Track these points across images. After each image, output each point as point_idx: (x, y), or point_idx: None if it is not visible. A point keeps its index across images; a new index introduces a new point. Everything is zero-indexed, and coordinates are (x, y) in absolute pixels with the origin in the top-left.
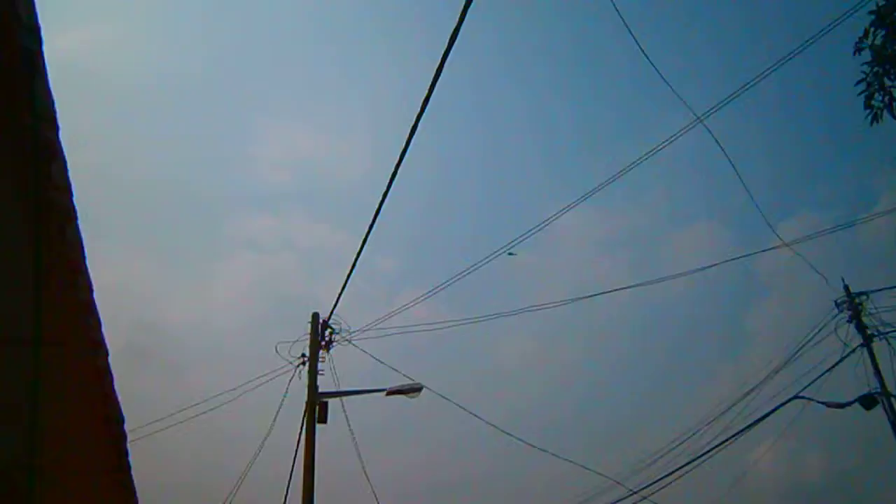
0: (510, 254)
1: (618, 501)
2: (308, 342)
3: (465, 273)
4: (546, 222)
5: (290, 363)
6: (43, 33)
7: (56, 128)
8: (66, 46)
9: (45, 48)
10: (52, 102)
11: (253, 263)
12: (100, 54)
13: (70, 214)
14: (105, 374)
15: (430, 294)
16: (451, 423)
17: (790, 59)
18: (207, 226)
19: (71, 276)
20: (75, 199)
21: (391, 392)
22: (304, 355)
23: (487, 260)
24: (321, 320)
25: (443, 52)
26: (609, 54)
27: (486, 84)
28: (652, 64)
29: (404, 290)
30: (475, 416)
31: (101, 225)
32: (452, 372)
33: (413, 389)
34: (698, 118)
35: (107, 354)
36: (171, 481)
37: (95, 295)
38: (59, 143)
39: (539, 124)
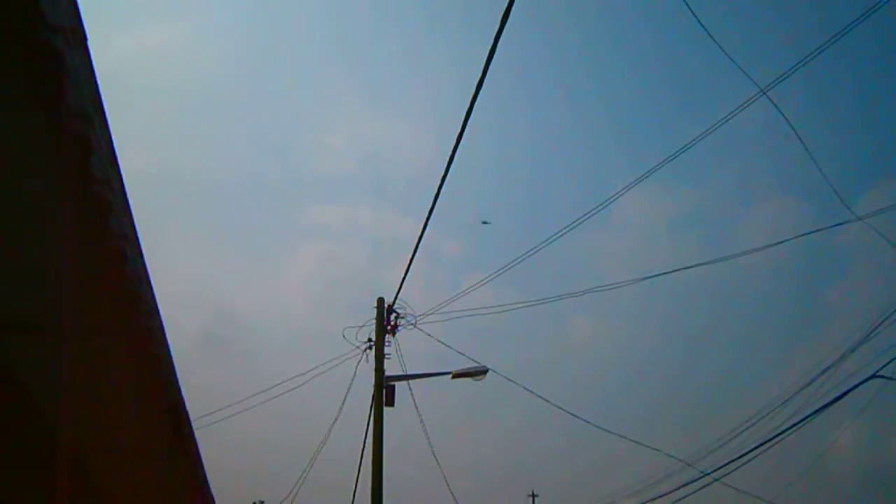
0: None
1: (689, 483)
2: (374, 327)
3: (527, 254)
4: (608, 201)
5: (357, 347)
6: (82, 32)
7: (91, 123)
8: (139, 50)
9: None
10: (86, 99)
11: (323, 252)
12: (174, 56)
13: (109, 207)
14: (162, 362)
15: (493, 276)
16: (518, 405)
17: (856, 25)
18: (280, 217)
19: (115, 267)
20: (125, 193)
21: (457, 375)
22: (370, 339)
23: (549, 241)
24: (386, 305)
25: (495, 32)
26: (672, 29)
27: (546, 62)
28: (712, 36)
29: (470, 273)
30: (541, 398)
31: (186, 221)
32: (519, 354)
33: (478, 372)
34: (762, 90)
35: (163, 342)
36: (247, 463)
37: (152, 287)
38: (96, 137)
39: (602, 103)
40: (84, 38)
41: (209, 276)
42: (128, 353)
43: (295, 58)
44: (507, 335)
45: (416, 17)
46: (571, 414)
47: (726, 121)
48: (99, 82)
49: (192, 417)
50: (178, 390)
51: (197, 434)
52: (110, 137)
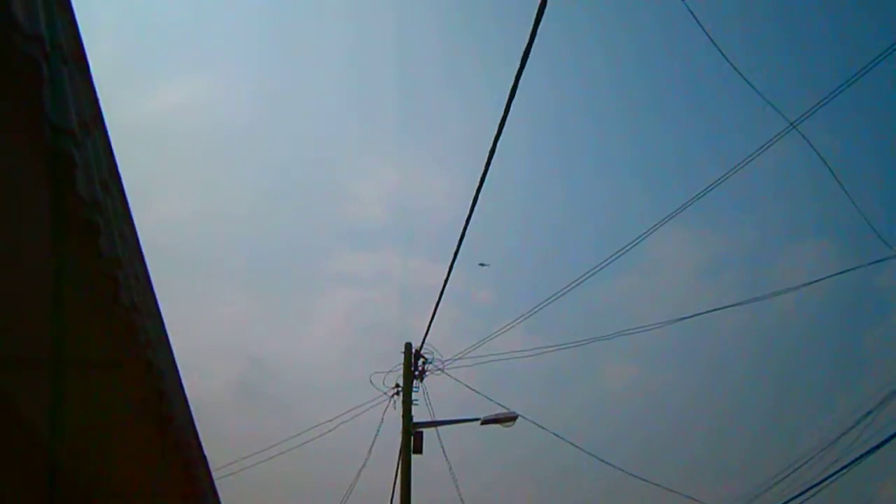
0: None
1: None
2: (402, 372)
3: (555, 297)
4: (636, 241)
5: (385, 393)
6: (49, 39)
7: (74, 140)
8: (162, 103)
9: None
10: (73, 114)
11: (350, 298)
12: (193, 110)
13: (97, 230)
14: (163, 397)
15: (521, 319)
16: (551, 453)
17: (888, 55)
18: (310, 265)
19: (105, 294)
20: (123, 209)
21: (486, 421)
22: (398, 385)
23: (577, 283)
24: (413, 350)
25: (516, 70)
26: (700, 69)
27: (569, 102)
28: (738, 71)
29: (503, 320)
30: (573, 444)
31: (214, 268)
32: (551, 400)
33: (508, 418)
34: (791, 124)
35: (162, 377)
36: None
37: (158, 319)
38: (83, 153)
39: (630, 144)
40: (75, 50)
41: (242, 325)
42: (129, 388)
43: (318, 107)
44: (538, 382)
45: (440, 64)
46: (605, 462)
47: (756, 156)
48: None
49: (228, 461)
50: (186, 428)
51: (231, 479)
52: (110, 150)
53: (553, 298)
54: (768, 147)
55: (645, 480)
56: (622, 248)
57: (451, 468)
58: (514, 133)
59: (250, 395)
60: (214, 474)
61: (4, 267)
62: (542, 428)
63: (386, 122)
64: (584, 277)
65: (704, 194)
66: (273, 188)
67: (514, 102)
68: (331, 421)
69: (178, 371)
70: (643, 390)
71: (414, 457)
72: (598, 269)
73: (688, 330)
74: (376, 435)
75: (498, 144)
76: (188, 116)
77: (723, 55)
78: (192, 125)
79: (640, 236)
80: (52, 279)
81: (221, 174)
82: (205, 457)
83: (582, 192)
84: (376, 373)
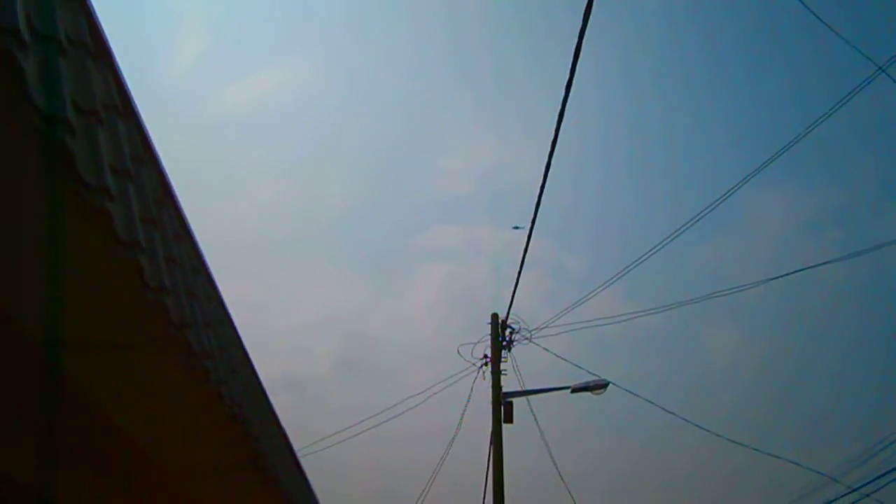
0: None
1: (834, 500)
2: (490, 343)
3: (643, 258)
4: (721, 199)
5: (473, 364)
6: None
7: (70, 128)
8: (254, 90)
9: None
10: (65, 101)
11: (444, 272)
12: (285, 94)
13: (109, 214)
14: (210, 376)
15: (606, 285)
16: (644, 419)
17: None
18: (404, 241)
19: (126, 277)
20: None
21: (576, 389)
22: (485, 356)
23: (663, 245)
24: (500, 320)
25: (579, 28)
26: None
27: (653, 54)
28: (820, 19)
29: (596, 287)
30: (665, 410)
31: (314, 248)
32: (645, 366)
33: (598, 386)
34: (880, 68)
35: (208, 356)
36: (370, 484)
37: (206, 300)
38: (81, 143)
39: (721, 98)
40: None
41: (342, 302)
42: (172, 370)
43: (406, 83)
44: (634, 348)
45: (528, 36)
46: (704, 429)
47: (845, 102)
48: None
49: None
50: (242, 405)
51: (332, 450)
52: (135, 133)
53: (641, 260)
54: (856, 93)
55: (743, 445)
56: (709, 206)
57: (543, 436)
58: (594, 98)
59: (351, 369)
60: (318, 445)
61: (34, 257)
62: (634, 394)
63: (476, 96)
64: (672, 237)
65: (789, 148)
66: (367, 167)
67: (590, 68)
68: (421, 393)
69: (237, 350)
70: (743, 353)
71: (506, 426)
72: (685, 227)
73: (787, 289)
74: (466, 405)
75: (566, 107)
76: (281, 101)
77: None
78: (286, 109)
79: (725, 193)
80: (77, 265)
81: (317, 156)
82: (282, 431)
83: (674, 155)
84: (464, 344)
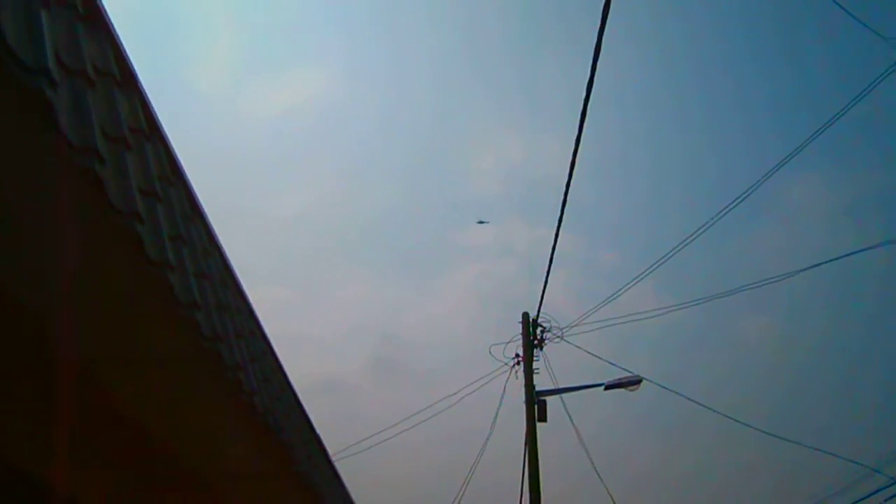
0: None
1: (876, 493)
2: (521, 342)
3: (677, 249)
4: (757, 184)
5: (505, 364)
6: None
7: (100, 156)
8: (287, 98)
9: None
10: (94, 131)
11: (475, 271)
12: (314, 102)
13: (139, 236)
14: (242, 386)
15: (638, 279)
16: (683, 415)
17: None
18: (437, 242)
19: (158, 295)
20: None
21: (609, 386)
22: (517, 355)
23: (697, 234)
24: (531, 319)
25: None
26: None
27: (688, 49)
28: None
29: (628, 282)
30: (702, 405)
31: (351, 252)
32: (682, 361)
33: (632, 382)
34: None
35: (239, 367)
36: (406, 487)
37: (236, 311)
38: (105, 169)
39: (754, 89)
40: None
41: (375, 305)
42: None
43: (434, 87)
44: (669, 342)
45: (554, 32)
46: (745, 424)
47: (881, 80)
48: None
49: (366, 435)
50: (273, 414)
51: (370, 452)
52: (162, 156)
53: (674, 252)
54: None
55: (782, 438)
56: (744, 193)
57: (578, 434)
58: (622, 84)
59: (385, 371)
60: (356, 447)
61: (71, 280)
62: (668, 390)
63: (503, 95)
64: (707, 226)
65: (825, 129)
66: (398, 170)
67: (617, 51)
68: (455, 394)
69: (269, 359)
70: (784, 344)
71: (540, 425)
72: (720, 216)
73: (828, 277)
74: (499, 405)
75: (590, 99)
76: (310, 109)
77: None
78: (315, 117)
79: (761, 178)
80: (111, 286)
81: (351, 162)
82: (316, 437)
83: (709, 143)
84: (495, 344)
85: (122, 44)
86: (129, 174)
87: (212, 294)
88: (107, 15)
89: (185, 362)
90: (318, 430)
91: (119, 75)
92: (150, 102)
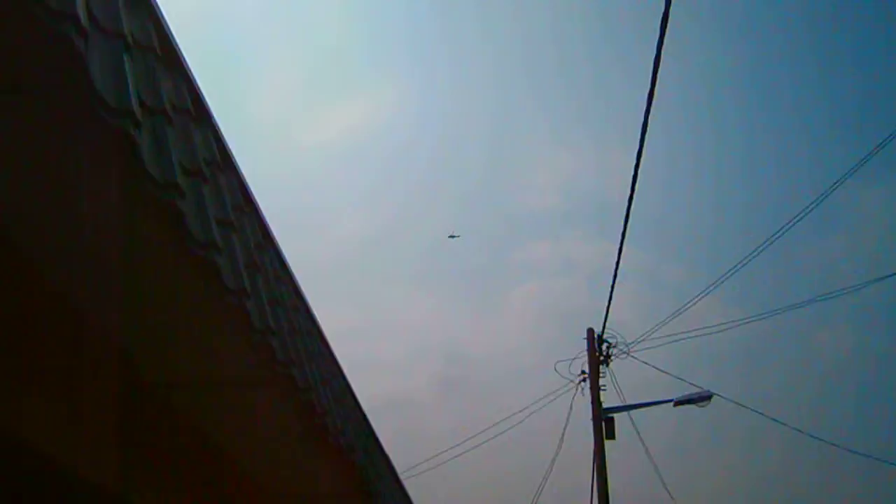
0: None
1: None
2: (587, 358)
3: (744, 262)
4: (825, 195)
5: (571, 381)
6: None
7: (180, 191)
8: (345, 122)
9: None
10: (174, 166)
11: (537, 288)
12: (371, 126)
13: (217, 266)
14: (316, 409)
15: (704, 293)
16: (754, 430)
17: None
18: (495, 259)
19: (236, 321)
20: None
21: (679, 402)
22: (583, 372)
23: (764, 246)
24: (596, 335)
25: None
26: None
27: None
28: None
29: (696, 295)
30: (773, 419)
31: (414, 273)
32: (752, 375)
33: (702, 398)
34: None
35: (311, 390)
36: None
37: (307, 336)
38: (185, 203)
39: (823, 99)
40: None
41: (438, 324)
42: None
43: (491, 104)
44: (738, 357)
45: (608, 44)
46: (815, 437)
47: None
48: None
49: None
50: (337, 430)
51: (431, 473)
52: (235, 187)
53: (742, 264)
54: None
55: (860, 454)
56: (811, 204)
57: (647, 450)
58: (683, 96)
59: (450, 388)
60: (423, 465)
61: (153, 310)
62: (740, 405)
63: (562, 110)
64: (775, 237)
65: (892, 138)
66: (457, 190)
67: (677, 64)
68: (521, 412)
69: (339, 380)
70: (861, 357)
71: (608, 442)
72: (787, 227)
73: None
74: (566, 423)
75: (651, 111)
76: (367, 133)
77: None
78: (373, 139)
79: (828, 189)
80: (191, 312)
81: (408, 181)
82: (385, 456)
83: (775, 153)
84: (560, 361)
85: (195, 79)
86: (207, 206)
87: (285, 319)
88: (181, 54)
89: (260, 385)
90: (386, 450)
91: (194, 111)
92: (222, 134)
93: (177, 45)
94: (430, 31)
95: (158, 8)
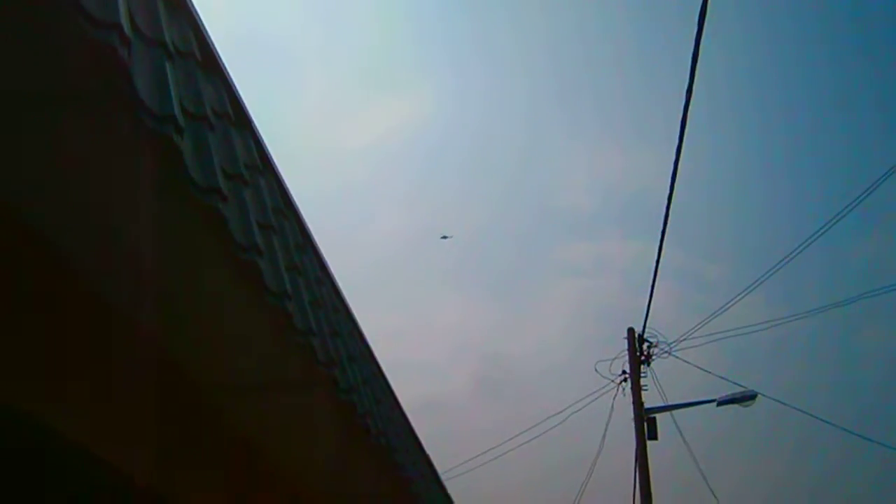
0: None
1: None
2: (627, 358)
3: (788, 259)
4: (869, 191)
5: (612, 380)
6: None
7: (222, 195)
8: (383, 122)
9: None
10: (216, 171)
11: (575, 288)
12: (410, 126)
13: (259, 269)
14: (356, 410)
15: (746, 292)
16: (801, 430)
17: None
18: (534, 260)
19: (277, 323)
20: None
21: (722, 402)
22: (624, 372)
23: (808, 243)
24: (637, 335)
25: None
26: None
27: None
28: None
29: (738, 293)
30: (821, 420)
31: (451, 274)
32: (798, 373)
33: (746, 397)
34: None
35: (352, 391)
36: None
37: (347, 337)
38: (227, 207)
39: (867, 89)
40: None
41: (476, 325)
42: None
43: (527, 104)
44: (782, 356)
45: (642, 42)
46: (866, 438)
47: None
48: (260, 146)
49: (472, 455)
50: (380, 431)
51: (471, 474)
52: (275, 189)
53: (785, 261)
54: None
55: None
56: (857, 199)
57: (690, 450)
58: (722, 90)
59: (488, 389)
60: (463, 467)
61: (196, 311)
62: (786, 405)
63: (590, 109)
64: (819, 234)
65: None
66: (493, 190)
67: (716, 56)
68: (561, 412)
69: (380, 381)
70: None
71: (650, 443)
72: (833, 222)
73: None
74: (607, 423)
75: (690, 106)
76: (406, 133)
77: None
78: (410, 140)
79: (874, 182)
80: (234, 314)
81: (446, 182)
82: (425, 456)
83: (817, 147)
84: (601, 361)
85: (234, 85)
86: (248, 209)
87: (325, 321)
88: (221, 60)
89: (302, 386)
90: (427, 450)
91: (234, 116)
92: (261, 138)
93: (216, 51)
94: (466, 28)
95: (198, 15)
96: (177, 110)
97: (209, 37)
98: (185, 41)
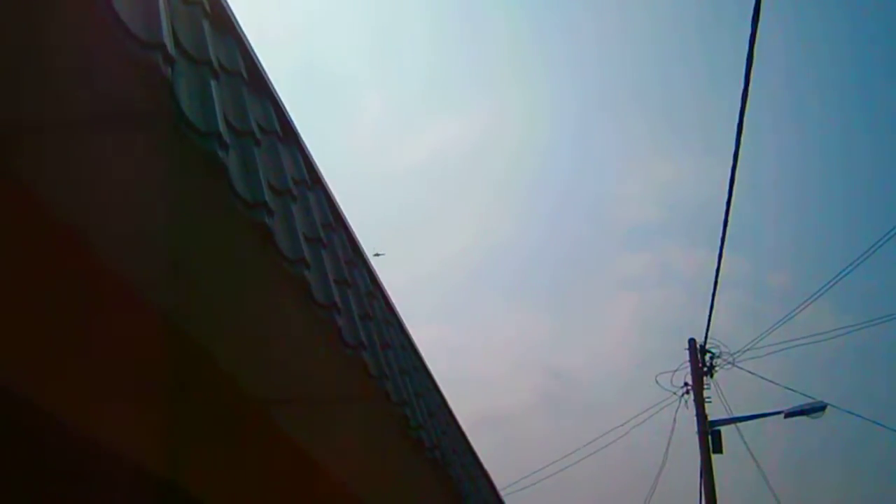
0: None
1: None
2: (689, 370)
3: (853, 266)
4: None
5: (674, 393)
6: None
7: (268, 210)
8: (435, 141)
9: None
10: (262, 186)
11: (634, 301)
12: (468, 138)
13: (307, 282)
14: (410, 423)
15: (814, 297)
16: (876, 444)
17: None
18: (592, 273)
19: (327, 336)
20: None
21: (790, 414)
22: (686, 384)
23: (875, 248)
24: (699, 346)
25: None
26: None
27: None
28: None
29: (803, 301)
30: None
31: (508, 290)
32: (869, 383)
33: (815, 409)
34: None
35: (406, 404)
36: None
37: (400, 350)
38: (274, 221)
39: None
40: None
41: (539, 341)
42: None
43: (579, 114)
44: (851, 366)
45: (704, 51)
46: None
47: None
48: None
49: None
50: (436, 447)
51: (532, 489)
52: (325, 203)
53: (851, 268)
54: None
55: None
56: None
57: (759, 466)
58: (782, 92)
59: (549, 403)
60: (525, 482)
61: (244, 327)
62: (858, 416)
63: (647, 119)
64: (885, 238)
65: None
66: (547, 204)
67: (774, 58)
68: (622, 426)
69: (434, 394)
70: None
71: (715, 457)
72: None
73: None
74: (670, 437)
75: (745, 112)
76: (453, 152)
77: None
78: (457, 160)
79: None
80: (284, 327)
81: (500, 198)
82: (484, 471)
83: (880, 150)
84: (662, 373)
85: (281, 101)
86: (296, 223)
87: (376, 334)
88: (268, 78)
89: (354, 400)
90: (486, 465)
91: (281, 131)
92: (309, 153)
93: (263, 69)
94: (519, 42)
95: (243, 33)
96: (221, 126)
97: (256, 56)
98: (231, 60)
